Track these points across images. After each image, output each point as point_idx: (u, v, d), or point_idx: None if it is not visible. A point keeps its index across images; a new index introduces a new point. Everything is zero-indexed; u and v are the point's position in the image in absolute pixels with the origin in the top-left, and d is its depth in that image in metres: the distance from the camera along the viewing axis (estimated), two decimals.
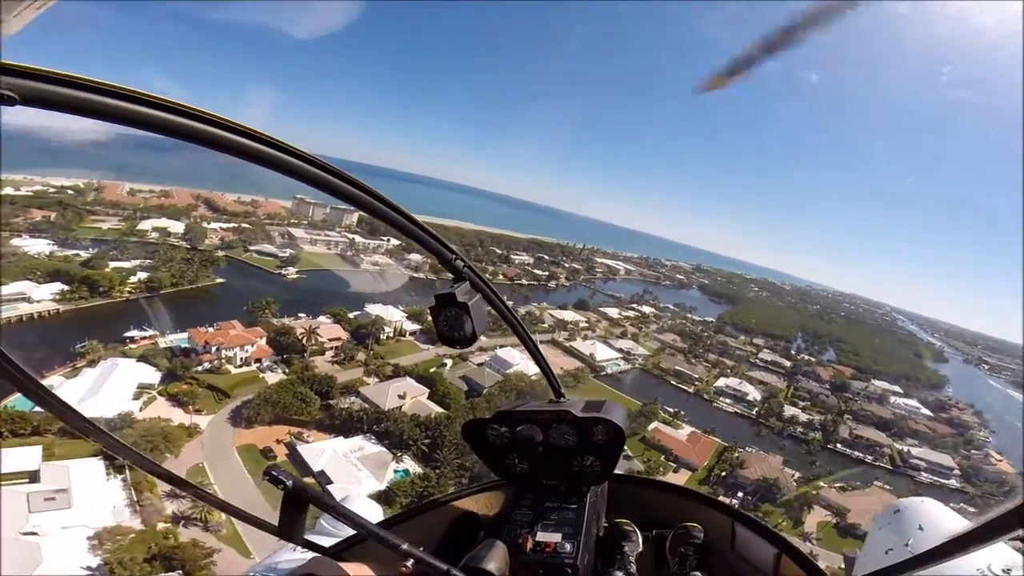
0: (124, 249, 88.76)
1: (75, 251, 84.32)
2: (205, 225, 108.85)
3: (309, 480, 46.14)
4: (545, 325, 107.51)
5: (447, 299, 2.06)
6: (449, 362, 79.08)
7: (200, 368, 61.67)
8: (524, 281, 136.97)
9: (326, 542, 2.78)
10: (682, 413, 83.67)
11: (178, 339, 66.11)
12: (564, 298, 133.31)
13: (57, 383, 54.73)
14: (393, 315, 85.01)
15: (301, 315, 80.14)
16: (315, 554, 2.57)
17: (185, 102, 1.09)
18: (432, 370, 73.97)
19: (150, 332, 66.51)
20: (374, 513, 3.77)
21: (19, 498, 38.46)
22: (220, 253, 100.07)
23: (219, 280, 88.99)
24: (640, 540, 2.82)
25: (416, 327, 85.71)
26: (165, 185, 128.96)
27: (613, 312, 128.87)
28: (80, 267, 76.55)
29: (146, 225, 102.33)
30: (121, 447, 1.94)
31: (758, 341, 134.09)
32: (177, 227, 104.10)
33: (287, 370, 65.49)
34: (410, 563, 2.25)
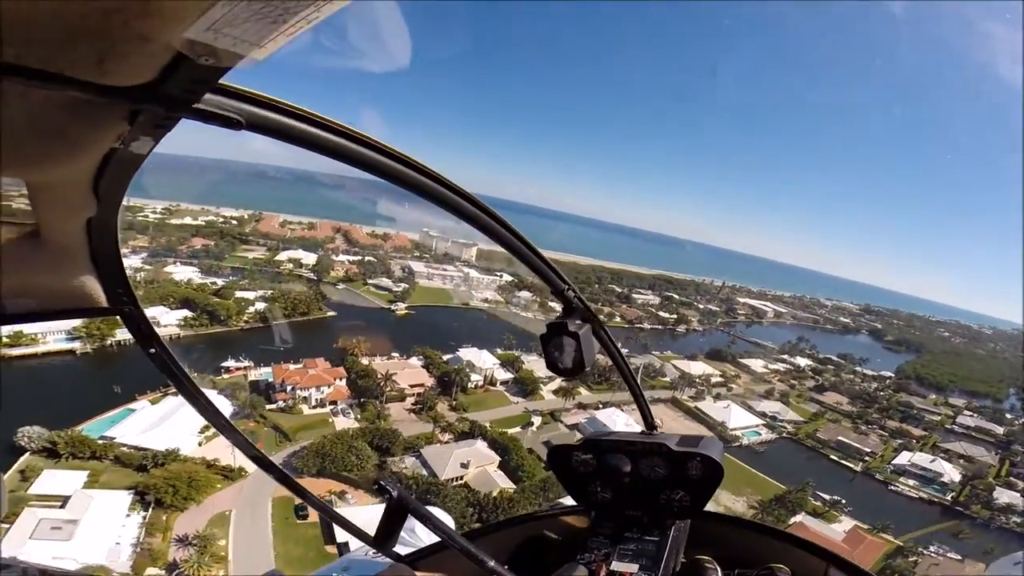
0: (254, 279, 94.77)
1: (214, 279, 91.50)
2: (334, 257, 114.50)
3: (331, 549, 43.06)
4: (666, 379, 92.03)
5: (559, 328, 2.22)
6: (537, 420, 70.06)
7: (273, 406, 60.86)
8: (646, 325, 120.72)
9: (400, 550, 2.91)
10: (843, 502, 63.77)
11: (265, 373, 66.70)
12: (695, 345, 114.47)
13: (139, 407, 57.84)
14: (486, 361, 78.61)
15: (394, 355, 77.71)
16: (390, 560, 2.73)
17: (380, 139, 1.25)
18: (516, 429, 65.70)
19: (244, 363, 68.07)
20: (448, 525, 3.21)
21: (31, 521, 38.86)
22: (340, 286, 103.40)
23: (330, 313, 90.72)
24: None
25: (508, 376, 78.31)
26: (313, 217, 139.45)
27: (757, 365, 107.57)
28: (210, 295, 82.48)
29: (284, 256, 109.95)
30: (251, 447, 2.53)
31: (956, 401, 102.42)
32: (310, 258, 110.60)
33: (360, 416, 62.29)
34: None
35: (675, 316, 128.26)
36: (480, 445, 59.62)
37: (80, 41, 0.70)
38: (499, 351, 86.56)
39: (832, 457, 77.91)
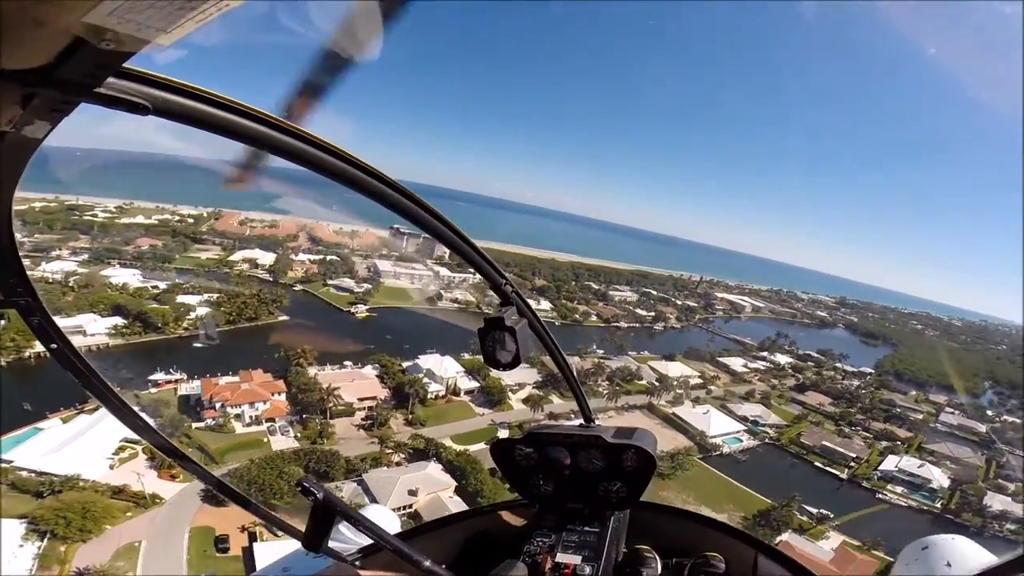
0: (199, 282, 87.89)
1: (157, 282, 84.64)
2: (293, 257, 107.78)
3: None
4: (643, 382, 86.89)
5: (495, 322, 2.26)
6: (504, 433, 64.56)
7: (202, 424, 54.63)
8: (623, 324, 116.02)
9: (342, 549, 2.91)
10: (830, 516, 59.31)
11: (197, 387, 60.55)
12: (673, 344, 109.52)
13: (48, 426, 51.97)
14: (448, 369, 72.90)
15: (347, 363, 71.72)
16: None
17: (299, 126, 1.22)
18: (479, 445, 58.39)
19: (176, 376, 61.68)
20: (392, 524, 3.67)
21: None
22: (297, 287, 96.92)
23: (282, 318, 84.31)
24: (659, 567, 2.80)
25: (474, 384, 72.74)
26: (276, 215, 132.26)
27: (737, 363, 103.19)
28: (148, 300, 75.85)
29: (239, 256, 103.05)
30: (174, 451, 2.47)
31: (936, 398, 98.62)
32: (268, 258, 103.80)
33: (300, 434, 56.21)
34: None
35: (653, 313, 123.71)
36: (432, 468, 53.66)
37: None
38: (467, 356, 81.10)
39: (817, 464, 73.47)
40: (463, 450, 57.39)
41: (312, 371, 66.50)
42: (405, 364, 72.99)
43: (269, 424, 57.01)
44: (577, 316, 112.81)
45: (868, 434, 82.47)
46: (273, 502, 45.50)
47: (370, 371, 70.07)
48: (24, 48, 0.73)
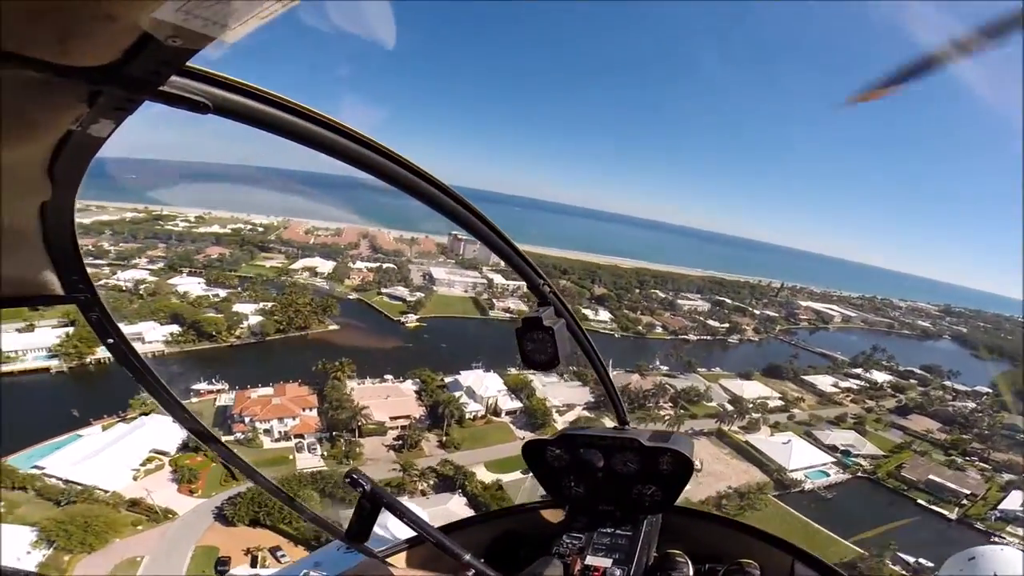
0: (256, 290, 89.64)
1: (218, 291, 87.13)
2: (351, 265, 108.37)
3: None
4: (712, 405, 77.21)
5: (533, 322, 2.21)
6: None
7: (231, 438, 53.88)
8: (692, 336, 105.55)
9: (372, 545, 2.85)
10: (933, 569, 47.06)
11: (233, 398, 60.33)
12: (750, 359, 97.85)
13: (89, 432, 52.93)
14: (490, 387, 68.28)
15: (387, 377, 69.35)
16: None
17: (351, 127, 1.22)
18: (514, 475, 52.94)
19: (218, 386, 61.92)
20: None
21: None
22: (352, 296, 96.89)
23: (332, 327, 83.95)
24: (691, 572, 2.74)
25: (517, 404, 67.64)
26: (341, 223, 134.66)
27: (825, 382, 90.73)
28: (204, 309, 78.04)
29: (300, 264, 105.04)
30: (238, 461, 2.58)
31: None
32: (327, 266, 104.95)
33: (328, 452, 54.01)
34: (471, 573, 2.34)
35: (727, 325, 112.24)
36: (455, 503, 48.40)
37: (42, 19, 0.67)
38: (513, 371, 76.64)
39: (920, 501, 61.31)
40: (495, 480, 52.49)
41: (351, 384, 64.75)
42: (447, 379, 69.51)
43: (297, 441, 55.35)
44: (640, 328, 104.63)
45: (986, 465, 68.62)
46: (281, 527, 43.66)
47: (409, 387, 67.12)
48: (94, 44, 0.73)
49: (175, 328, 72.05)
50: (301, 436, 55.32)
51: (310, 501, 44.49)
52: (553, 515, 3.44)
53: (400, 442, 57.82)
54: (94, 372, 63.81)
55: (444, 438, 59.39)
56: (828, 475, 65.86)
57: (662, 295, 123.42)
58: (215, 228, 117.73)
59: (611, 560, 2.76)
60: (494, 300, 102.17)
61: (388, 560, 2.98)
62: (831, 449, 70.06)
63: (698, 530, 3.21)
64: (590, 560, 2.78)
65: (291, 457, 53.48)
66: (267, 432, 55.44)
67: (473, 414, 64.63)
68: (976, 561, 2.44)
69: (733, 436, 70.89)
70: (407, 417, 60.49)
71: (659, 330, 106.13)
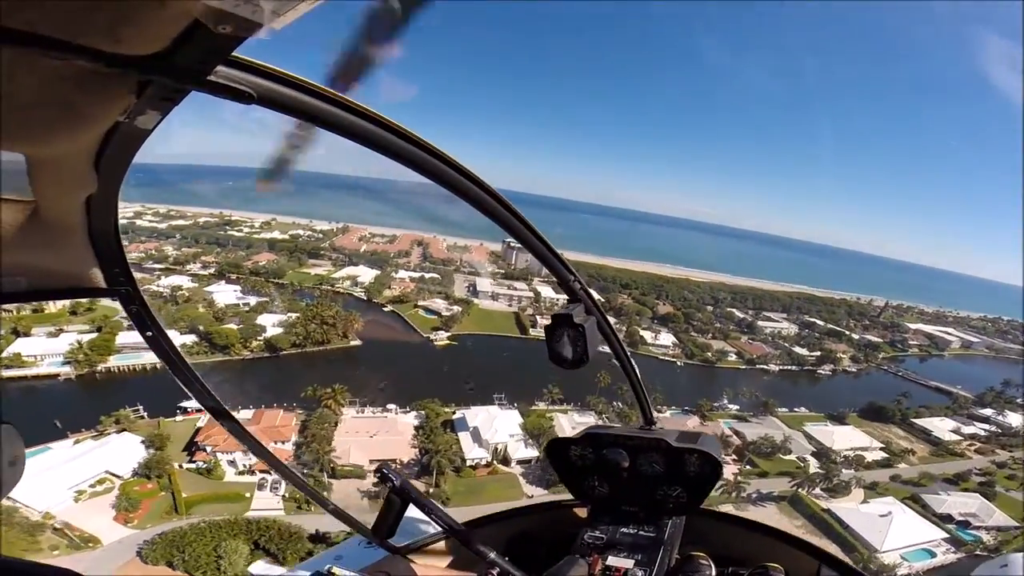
0: (287, 300, 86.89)
1: (249, 300, 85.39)
2: (393, 275, 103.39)
3: None
4: (791, 458, 60.72)
5: (563, 319, 2.18)
6: None
7: (193, 465, 49.08)
8: (772, 366, 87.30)
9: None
10: None
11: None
12: (846, 396, 78.44)
13: (60, 446, 50.64)
14: (500, 428, 57.87)
15: (391, 407, 62.03)
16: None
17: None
18: None
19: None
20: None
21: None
22: (387, 308, 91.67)
23: (355, 343, 78.63)
24: (714, 575, 2.68)
25: (531, 454, 55.92)
26: (398, 230, 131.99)
27: (942, 427, 70.63)
28: (231, 319, 76.30)
29: (343, 273, 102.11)
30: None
31: None
32: (370, 276, 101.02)
33: (289, 494, 47.14)
34: (495, 571, 2.39)
35: (818, 353, 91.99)
36: None
37: (97, 7, 0.67)
38: (540, 405, 66.45)
39: None
40: None
41: (347, 413, 58.33)
42: (457, 413, 60.72)
43: (261, 477, 48.99)
44: (709, 355, 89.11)
45: None
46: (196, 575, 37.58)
47: (411, 420, 58.96)
48: (144, 33, 0.72)
49: (193, 338, 70.01)
50: (267, 472, 48.95)
51: (236, 554, 38.25)
52: (574, 515, 3.36)
53: (376, 490, 49.50)
54: (99, 381, 62.87)
55: (431, 490, 50.12)
56: (934, 555, 49.38)
57: (739, 314, 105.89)
58: (275, 234, 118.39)
59: (633, 561, 2.71)
60: (538, 317, 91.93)
61: (408, 556, 2.98)
62: (944, 519, 52.75)
63: (721, 532, 3.15)
64: (611, 560, 2.73)
65: (248, 496, 47.31)
66: (232, 463, 49.87)
67: (475, 461, 54.83)
68: (1008, 568, 2.36)
69: (813, 504, 55.56)
70: (394, 461, 51.90)
71: (732, 358, 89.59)
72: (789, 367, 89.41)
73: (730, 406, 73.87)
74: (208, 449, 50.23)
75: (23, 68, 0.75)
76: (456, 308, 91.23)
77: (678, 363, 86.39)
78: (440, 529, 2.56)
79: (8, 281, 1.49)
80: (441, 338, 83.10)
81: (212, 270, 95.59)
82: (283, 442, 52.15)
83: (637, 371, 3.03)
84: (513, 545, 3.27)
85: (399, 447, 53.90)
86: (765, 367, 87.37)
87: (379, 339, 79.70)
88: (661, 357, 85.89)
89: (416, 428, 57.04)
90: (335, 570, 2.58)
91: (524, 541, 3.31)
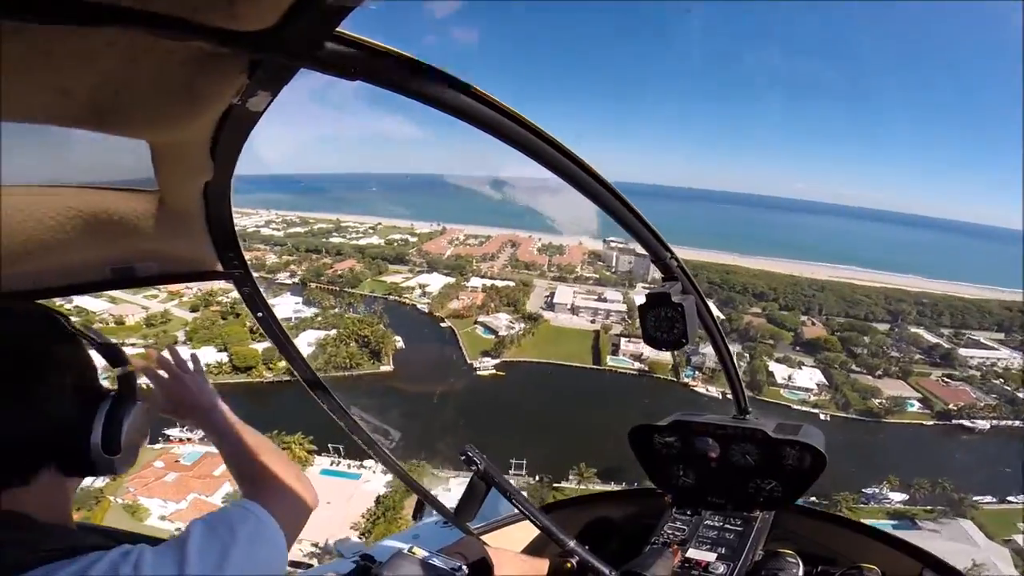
0: (332, 313, 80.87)
1: (301, 313, 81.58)
2: (464, 284, 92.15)
3: None
4: None
5: (660, 298, 2.07)
6: None
7: (120, 500, 42.73)
8: (980, 423, 56.40)
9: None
10: None
11: (194, 452, 49.42)
12: None
13: None
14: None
15: (367, 464, 49.80)
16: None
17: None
18: None
19: (189, 434, 52.24)
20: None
21: None
22: (445, 323, 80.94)
23: (385, 368, 68.81)
24: (801, 574, 2.49)
25: None
26: (497, 228, 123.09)
27: None
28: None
29: (415, 281, 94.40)
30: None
31: None
32: (439, 284, 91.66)
33: None
34: (575, 560, 2.38)
35: None
36: None
37: None
38: (568, 485, 49.06)
39: None
40: None
41: (320, 463, 47.85)
42: (443, 486, 46.25)
43: (177, 528, 40.58)
44: (878, 403, 61.12)
45: None
46: None
47: (381, 486, 46.37)
48: (259, 5, 0.68)
49: (225, 357, 66.78)
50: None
51: None
52: (653, 504, 3.20)
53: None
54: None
55: None
56: None
57: (931, 339, 73.40)
58: (373, 239, 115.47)
59: (715, 555, 2.58)
60: (622, 339, 72.59)
61: (483, 537, 2.99)
62: None
63: (811, 529, 2.95)
64: (692, 553, 2.61)
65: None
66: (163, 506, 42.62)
67: None
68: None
69: None
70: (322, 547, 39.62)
71: (914, 407, 60.85)
72: (1010, 421, 57.86)
73: (889, 495, 47.76)
74: (131, 490, 44.10)
75: (144, 51, 0.73)
76: (521, 325, 76.25)
77: (822, 415, 59.70)
78: (516, 512, 2.40)
79: (141, 267, 1.58)
80: (488, 365, 68.87)
81: (296, 279, 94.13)
82: (210, 494, 43.34)
83: (733, 356, 2.84)
84: (589, 532, 3.17)
85: (342, 526, 41.17)
86: (969, 423, 57.03)
87: (415, 364, 68.47)
88: (796, 406, 59.96)
89: (377, 500, 43.90)
90: (415, 549, 2.52)
91: (601, 528, 3.20)
